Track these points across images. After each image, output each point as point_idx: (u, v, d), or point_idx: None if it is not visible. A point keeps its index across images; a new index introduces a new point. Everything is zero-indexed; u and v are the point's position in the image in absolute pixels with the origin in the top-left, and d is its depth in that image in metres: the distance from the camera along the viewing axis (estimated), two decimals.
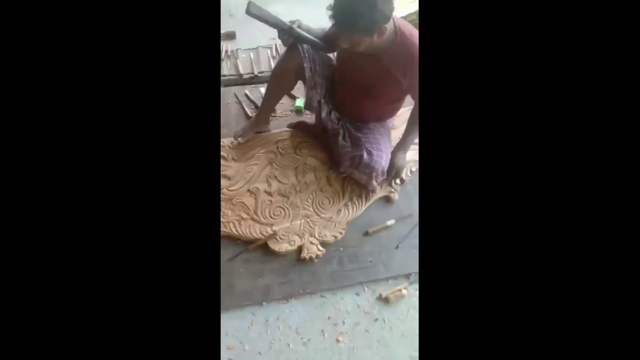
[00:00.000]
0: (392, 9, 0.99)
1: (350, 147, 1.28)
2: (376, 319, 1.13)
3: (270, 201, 1.35)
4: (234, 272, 1.20)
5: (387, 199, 1.40)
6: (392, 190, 1.40)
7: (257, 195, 1.36)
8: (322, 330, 1.10)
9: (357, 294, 1.18)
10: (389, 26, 1.02)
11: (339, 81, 1.33)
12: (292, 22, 1.16)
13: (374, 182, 1.32)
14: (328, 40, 1.23)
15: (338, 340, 1.08)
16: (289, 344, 1.08)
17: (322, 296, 1.17)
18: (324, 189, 1.39)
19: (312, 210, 1.33)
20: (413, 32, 1.08)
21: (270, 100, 1.43)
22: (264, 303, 1.15)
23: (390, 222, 1.33)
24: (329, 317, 1.13)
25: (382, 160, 1.28)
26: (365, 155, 1.25)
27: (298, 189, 1.38)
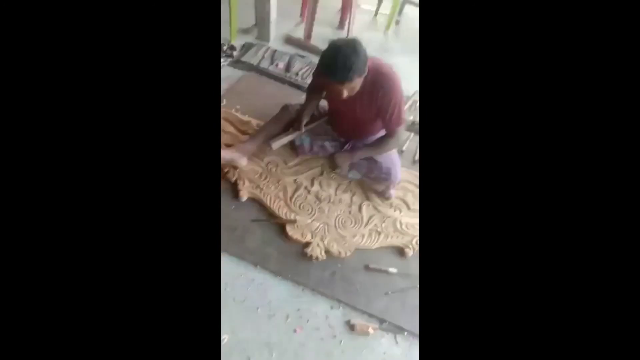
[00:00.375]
0: (366, 52, 1.20)
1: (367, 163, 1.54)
2: (334, 336, 1.21)
3: (306, 197, 1.54)
4: (250, 231, 1.41)
5: (401, 252, 1.49)
6: (410, 247, 1.48)
7: (299, 187, 1.57)
8: (287, 316, 1.22)
9: (331, 308, 1.28)
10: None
11: (334, 118, 1.60)
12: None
13: (392, 191, 1.57)
14: (316, 90, 1.54)
15: (295, 331, 1.19)
16: (257, 309, 1.22)
17: (303, 289, 1.30)
18: (353, 212, 1.54)
19: (333, 223, 1.49)
20: (376, 62, 1.30)
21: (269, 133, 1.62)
22: (258, 266, 1.32)
23: (393, 270, 1.41)
24: (299, 309, 1.24)
25: (398, 174, 1.54)
26: (380, 163, 1.52)
27: (332, 201, 1.56)
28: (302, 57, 2.33)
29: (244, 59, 2.22)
